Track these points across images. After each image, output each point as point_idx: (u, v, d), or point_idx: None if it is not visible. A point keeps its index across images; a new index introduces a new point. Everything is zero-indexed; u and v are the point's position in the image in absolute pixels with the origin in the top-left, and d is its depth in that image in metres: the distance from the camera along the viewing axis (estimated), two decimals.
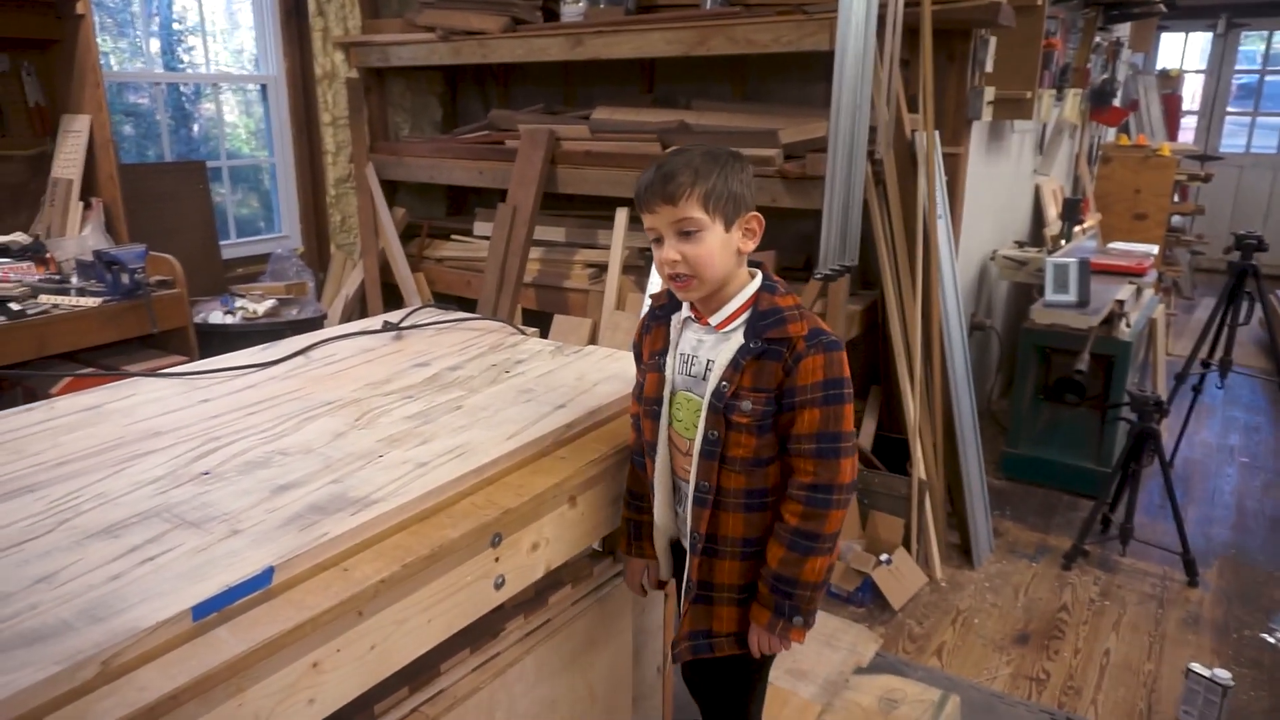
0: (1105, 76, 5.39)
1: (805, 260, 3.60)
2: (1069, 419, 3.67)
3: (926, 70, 2.80)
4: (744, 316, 1.28)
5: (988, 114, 3.25)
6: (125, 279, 2.73)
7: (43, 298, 2.68)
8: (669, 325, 1.36)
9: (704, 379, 1.29)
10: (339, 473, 1.29)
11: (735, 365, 1.25)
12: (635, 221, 3.47)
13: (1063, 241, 4.47)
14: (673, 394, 1.34)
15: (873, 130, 2.77)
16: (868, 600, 2.86)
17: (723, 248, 1.25)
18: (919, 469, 3.00)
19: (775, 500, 1.30)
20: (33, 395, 2.65)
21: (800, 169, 2.87)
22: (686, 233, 1.24)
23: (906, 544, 3.01)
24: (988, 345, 4.44)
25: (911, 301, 2.98)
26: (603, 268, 3.62)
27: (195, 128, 3.96)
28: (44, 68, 3.09)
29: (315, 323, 3.45)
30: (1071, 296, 3.45)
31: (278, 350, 1.89)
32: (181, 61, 3.86)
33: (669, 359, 1.34)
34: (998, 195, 4.16)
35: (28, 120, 3.09)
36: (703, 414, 1.27)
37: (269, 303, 3.37)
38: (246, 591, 1.01)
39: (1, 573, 1.02)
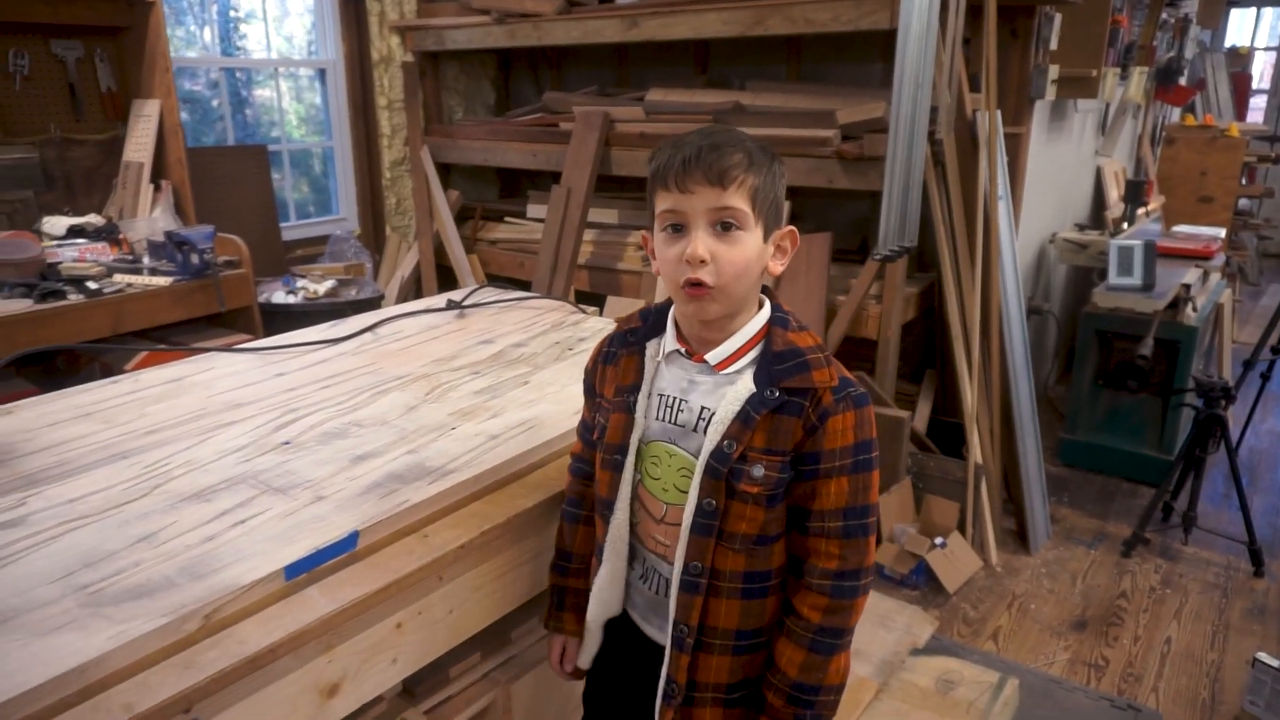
0: (1172, 54, 5.23)
1: (860, 242, 3.57)
2: (1129, 405, 3.59)
3: (991, 48, 2.75)
4: (751, 355, 1.04)
5: (1051, 93, 3.18)
6: (195, 259, 2.81)
7: (117, 277, 2.77)
8: (642, 355, 1.10)
9: (696, 431, 1.04)
10: (414, 444, 1.32)
11: (745, 420, 1.00)
12: None
13: (1125, 224, 4.37)
14: (644, 444, 1.09)
15: (933, 110, 2.73)
16: (921, 583, 2.84)
17: (758, 260, 1.02)
18: (975, 453, 2.97)
19: (776, 584, 1.06)
20: (109, 370, 2.75)
21: (858, 150, 2.84)
22: (725, 226, 0.99)
23: (961, 528, 2.98)
24: (1044, 330, 4.36)
25: (970, 285, 2.94)
26: None
27: (248, 113, 4.04)
28: (115, 54, 3.18)
29: (373, 303, 3.52)
30: (1136, 280, 3.37)
31: (346, 327, 1.94)
32: (237, 49, 3.93)
33: (641, 399, 1.08)
34: (1058, 177, 4.08)
35: (100, 106, 3.18)
36: (697, 478, 1.02)
37: (329, 283, 3.44)
38: (334, 554, 1.05)
39: (105, 532, 1.07)
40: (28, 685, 0.80)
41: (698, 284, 0.99)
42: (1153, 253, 3.41)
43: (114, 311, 2.68)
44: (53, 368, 2.94)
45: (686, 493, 1.04)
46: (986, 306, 2.97)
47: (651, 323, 1.12)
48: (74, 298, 2.61)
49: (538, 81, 4.62)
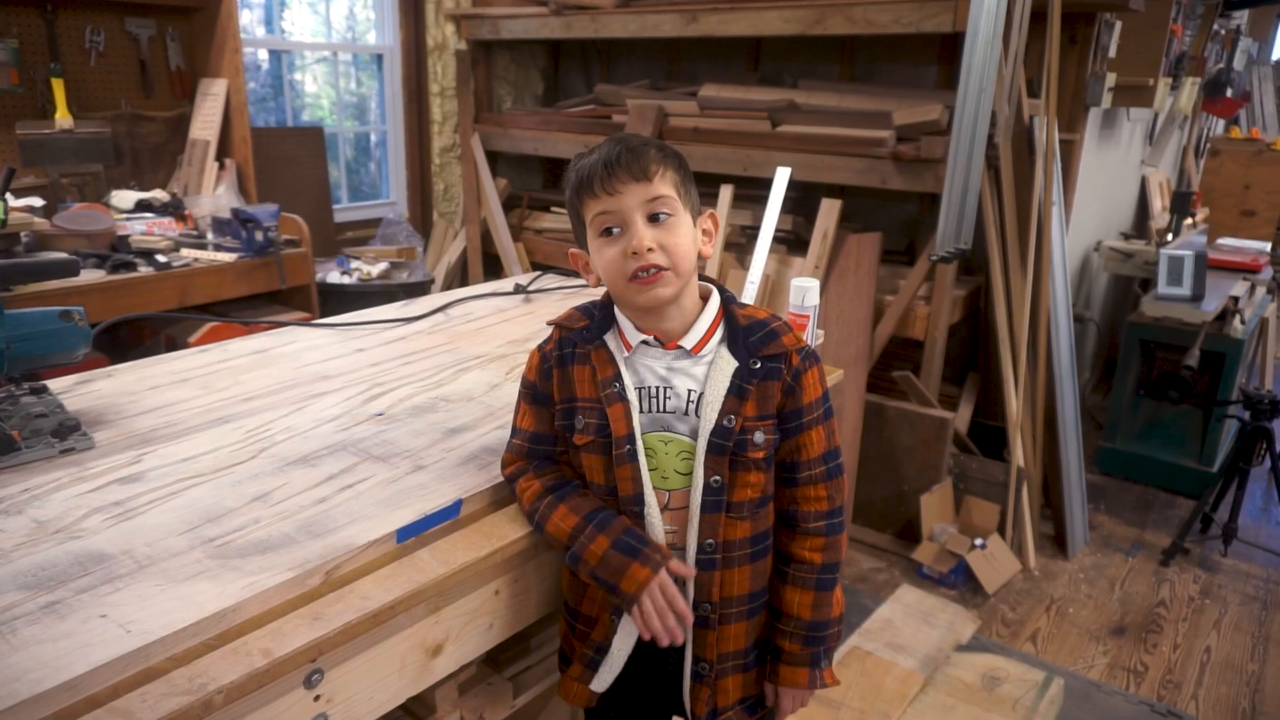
0: (1221, 66, 5.19)
1: (908, 244, 3.59)
2: (1170, 416, 3.59)
3: (1053, 56, 2.76)
4: (719, 335, 1.09)
5: (1107, 100, 3.19)
6: (259, 237, 2.88)
7: (184, 251, 2.85)
8: (607, 349, 1.10)
9: (687, 414, 1.07)
10: (502, 420, 1.37)
11: (739, 393, 1.05)
12: (740, 199, 3.50)
13: (1170, 235, 4.35)
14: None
15: (992, 115, 2.75)
16: (960, 583, 2.87)
17: (694, 241, 1.08)
18: (1017, 457, 2.99)
19: (772, 541, 1.13)
20: (173, 343, 2.82)
21: (915, 151, 2.87)
22: (658, 216, 1.04)
23: (1000, 531, 3.01)
24: (1084, 338, 4.36)
25: (1020, 290, 2.96)
26: None
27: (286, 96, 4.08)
28: (185, 33, 3.26)
29: (424, 286, 3.58)
30: (1185, 290, 3.37)
31: (419, 307, 2.00)
32: (284, 31, 3.98)
33: (630, 391, 1.08)
34: (1106, 185, 4.07)
35: (169, 83, 3.26)
36: (700, 457, 1.05)
37: (382, 265, 3.51)
38: (440, 520, 1.10)
39: (221, 490, 1.13)
40: (175, 627, 0.85)
41: (649, 269, 1.03)
42: (1203, 264, 3.41)
43: (181, 285, 2.75)
44: (117, 338, 3.02)
45: (688, 475, 1.08)
46: (1035, 312, 2.99)
47: (600, 318, 1.12)
48: (144, 270, 2.69)
49: (587, 73, 4.67)
